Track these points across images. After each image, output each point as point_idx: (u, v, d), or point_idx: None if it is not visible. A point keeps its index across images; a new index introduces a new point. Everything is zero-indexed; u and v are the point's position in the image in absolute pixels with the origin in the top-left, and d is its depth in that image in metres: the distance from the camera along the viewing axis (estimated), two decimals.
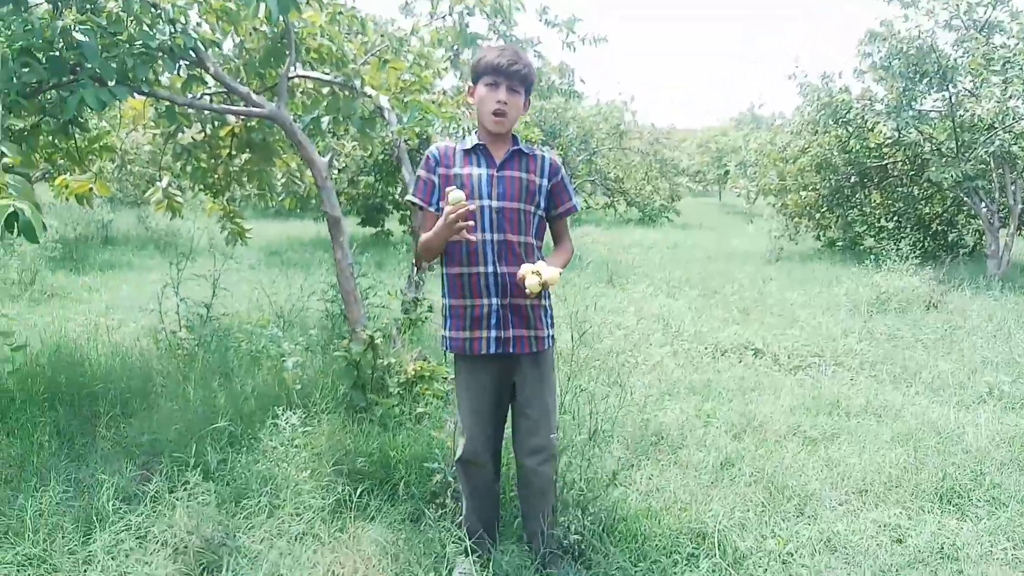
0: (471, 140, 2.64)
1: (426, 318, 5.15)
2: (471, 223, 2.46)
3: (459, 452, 2.75)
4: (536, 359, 2.69)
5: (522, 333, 2.63)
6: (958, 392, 5.20)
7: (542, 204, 2.67)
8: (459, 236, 2.46)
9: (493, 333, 2.60)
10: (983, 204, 11.16)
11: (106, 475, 3.17)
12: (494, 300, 2.59)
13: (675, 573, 2.84)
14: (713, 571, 2.88)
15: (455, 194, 2.42)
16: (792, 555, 3.02)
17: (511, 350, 2.62)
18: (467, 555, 2.76)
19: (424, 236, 2.59)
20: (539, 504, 2.78)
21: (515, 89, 2.56)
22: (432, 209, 2.62)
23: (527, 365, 2.68)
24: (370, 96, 4.87)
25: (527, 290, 2.45)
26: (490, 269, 2.57)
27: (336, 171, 11.80)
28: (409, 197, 2.70)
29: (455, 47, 6.27)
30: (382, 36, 5.77)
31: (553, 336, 2.76)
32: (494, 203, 2.58)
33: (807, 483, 3.64)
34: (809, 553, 3.04)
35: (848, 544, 3.12)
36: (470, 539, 2.78)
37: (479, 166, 2.61)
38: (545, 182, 2.66)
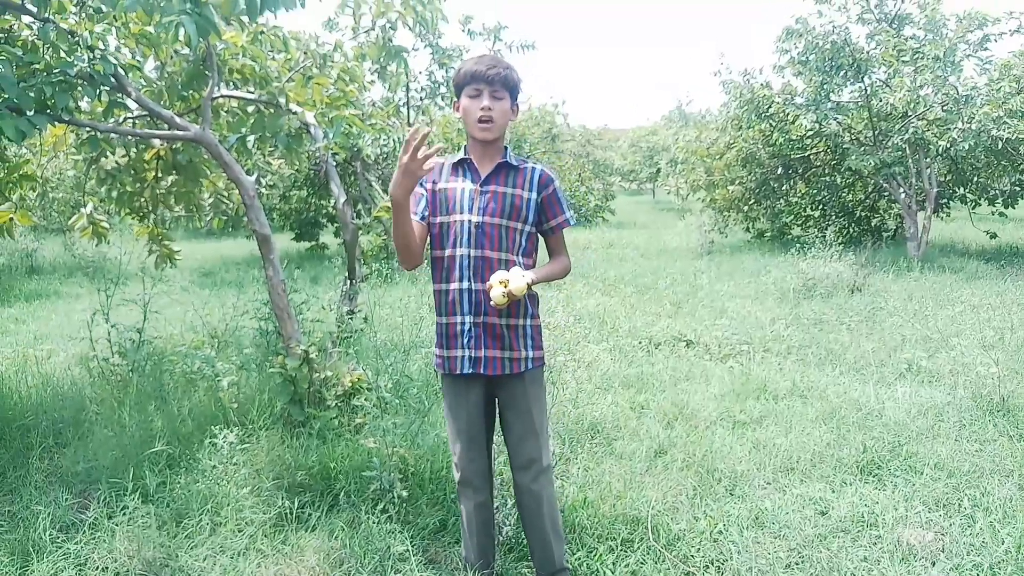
0: (459, 154, 2.55)
1: (361, 330, 5.18)
2: (429, 148, 2.21)
3: (456, 475, 2.67)
4: (519, 377, 2.56)
5: (496, 354, 2.51)
6: (879, 370, 5.47)
7: (530, 219, 2.54)
8: (414, 164, 2.19)
9: (467, 352, 2.51)
10: (901, 189, 11.64)
11: (41, 506, 3.15)
12: (467, 318, 2.50)
13: (611, 559, 2.96)
14: (647, 553, 3.00)
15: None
16: (722, 533, 3.17)
17: (483, 371, 2.52)
18: None
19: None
20: (535, 523, 2.66)
21: (498, 95, 2.45)
22: (417, 218, 2.51)
23: (508, 383, 2.57)
24: (295, 113, 4.89)
25: (492, 301, 2.37)
26: (464, 285, 2.48)
27: (267, 187, 11.69)
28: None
29: (381, 60, 6.32)
30: (305, 53, 5.80)
31: (538, 357, 2.60)
32: (474, 218, 2.47)
33: (736, 465, 3.80)
34: (738, 530, 3.18)
35: (775, 519, 3.28)
36: (467, 570, 2.73)
37: (464, 179, 2.53)
38: (534, 196, 2.53)
